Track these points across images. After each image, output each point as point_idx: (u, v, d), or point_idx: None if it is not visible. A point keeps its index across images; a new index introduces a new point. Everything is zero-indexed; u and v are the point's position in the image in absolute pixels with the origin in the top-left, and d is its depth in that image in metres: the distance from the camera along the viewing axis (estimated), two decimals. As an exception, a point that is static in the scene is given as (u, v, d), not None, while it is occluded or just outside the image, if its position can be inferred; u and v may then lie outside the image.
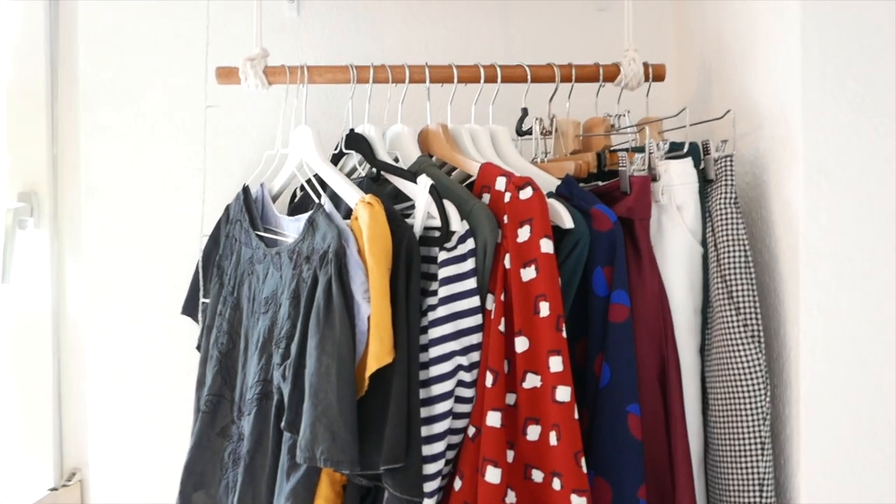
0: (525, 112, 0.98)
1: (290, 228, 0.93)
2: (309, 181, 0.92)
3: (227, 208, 1.03)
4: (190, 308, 1.05)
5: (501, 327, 0.76)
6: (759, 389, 0.76)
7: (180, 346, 1.15)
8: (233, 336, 0.97)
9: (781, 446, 0.79)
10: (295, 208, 1.04)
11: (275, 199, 1.02)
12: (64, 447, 1.19)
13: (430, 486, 0.75)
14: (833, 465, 0.75)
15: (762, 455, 0.75)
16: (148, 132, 1.16)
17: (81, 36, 1.15)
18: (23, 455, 1.17)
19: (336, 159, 0.99)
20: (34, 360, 1.17)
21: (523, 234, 0.76)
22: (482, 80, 0.96)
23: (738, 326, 0.77)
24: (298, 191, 1.04)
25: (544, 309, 0.74)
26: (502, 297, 0.77)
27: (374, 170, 0.91)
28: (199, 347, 1.02)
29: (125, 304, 1.15)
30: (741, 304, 0.77)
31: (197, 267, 1.03)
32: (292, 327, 0.82)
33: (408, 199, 0.87)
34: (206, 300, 1.01)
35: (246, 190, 1.01)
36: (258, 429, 0.87)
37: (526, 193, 0.77)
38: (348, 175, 0.97)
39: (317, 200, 0.86)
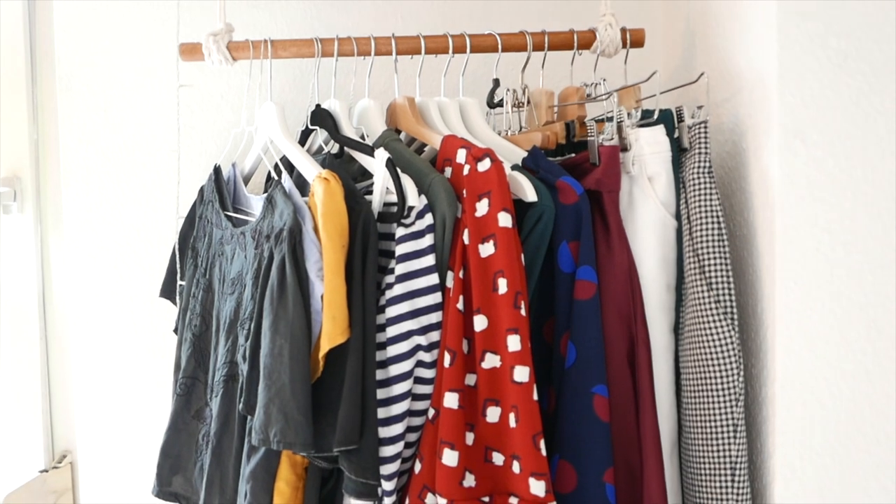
0: (496, 83, 0.94)
1: (257, 208, 0.91)
2: (283, 158, 0.90)
3: (201, 189, 1.02)
4: (167, 291, 1.05)
5: (460, 305, 0.74)
6: (732, 369, 0.72)
7: (162, 329, 1.15)
8: (206, 318, 0.96)
9: (758, 429, 0.75)
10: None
11: (247, 178, 1.00)
12: (54, 429, 1.21)
13: (387, 469, 0.74)
14: (810, 449, 0.71)
15: (734, 438, 0.71)
16: (123, 114, 1.15)
17: (57, 18, 1.14)
18: (13, 437, 1.18)
19: (306, 136, 0.96)
20: (22, 344, 1.18)
21: (481, 207, 0.73)
22: (451, 51, 0.92)
23: (710, 303, 0.73)
24: (273, 170, 1.02)
25: (502, 286, 0.71)
26: (461, 275, 0.74)
27: (339, 146, 0.89)
28: (176, 330, 1.01)
29: (106, 288, 1.16)
30: (713, 280, 0.73)
31: (173, 249, 1.02)
32: (254, 308, 0.81)
33: (372, 176, 0.85)
34: (183, 282, 1.00)
35: (217, 170, 0.99)
36: (224, 411, 0.86)
37: (484, 165, 0.74)
38: (316, 152, 0.95)
39: (276, 178, 0.84)
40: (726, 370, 0.72)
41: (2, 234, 1.18)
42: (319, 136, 0.93)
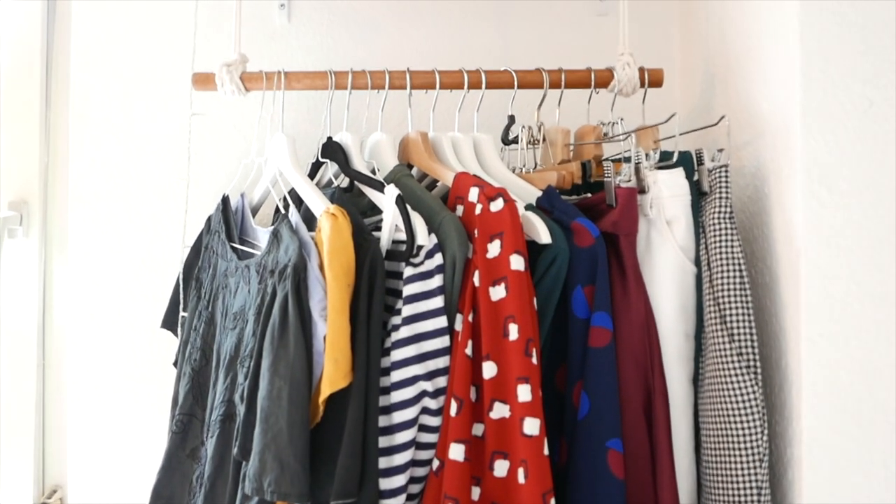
0: (511, 119, 0.93)
1: (264, 240, 0.89)
2: (291, 191, 0.88)
3: (209, 219, 1.00)
4: (170, 322, 1.02)
5: (468, 351, 0.70)
6: (755, 426, 0.67)
7: (161, 361, 1.13)
8: (206, 352, 0.93)
9: (783, 492, 0.70)
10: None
11: (256, 209, 0.99)
12: (46, 462, 1.17)
13: (387, 524, 0.70)
14: (840, 516, 0.66)
15: (758, 501, 0.67)
16: (135, 140, 1.14)
17: (74, 43, 1.14)
18: (3, 471, 1.15)
19: (316, 168, 0.95)
20: (19, 373, 1.16)
21: (493, 249, 0.71)
22: (466, 86, 0.91)
23: (732, 355, 0.69)
24: (280, 203, 1.01)
25: (513, 332, 0.68)
26: (470, 318, 0.71)
27: (349, 180, 0.87)
28: (176, 363, 0.98)
29: (107, 317, 1.13)
30: (735, 331, 0.70)
31: (178, 279, 1.00)
32: (255, 346, 0.78)
33: (381, 211, 0.83)
34: (185, 314, 0.98)
35: (225, 200, 0.98)
36: (219, 453, 0.82)
37: (497, 205, 0.71)
38: (326, 185, 0.93)
39: (283, 211, 0.82)
40: (749, 427, 0.68)
41: (5, 259, 1.17)
42: (330, 169, 0.91)
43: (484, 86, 0.91)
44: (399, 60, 1.00)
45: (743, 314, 0.70)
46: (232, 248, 0.92)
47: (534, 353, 0.68)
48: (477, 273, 0.71)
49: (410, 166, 0.91)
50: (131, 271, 1.14)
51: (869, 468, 0.66)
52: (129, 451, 1.13)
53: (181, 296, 1.00)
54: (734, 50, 0.87)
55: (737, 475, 0.68)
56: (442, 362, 0.72)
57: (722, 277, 0.71)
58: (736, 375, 0.69)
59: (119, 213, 1.14)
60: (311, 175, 0.94)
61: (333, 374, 0.69)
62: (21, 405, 1.15)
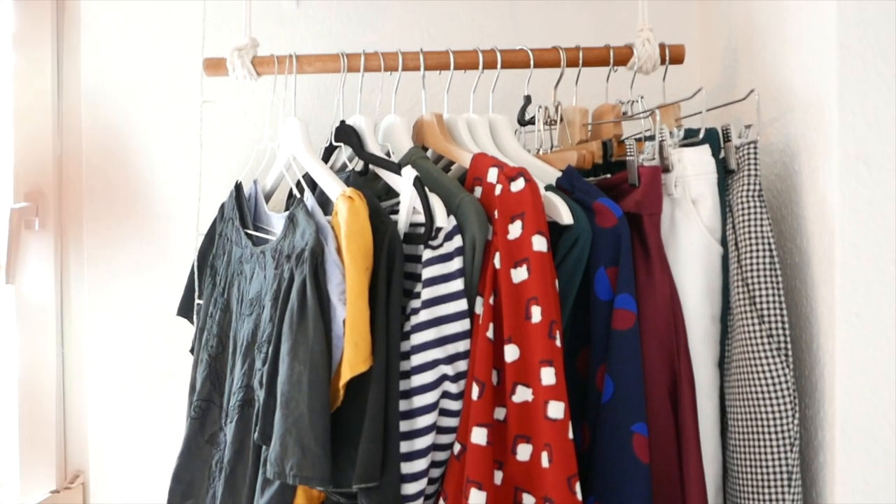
0: (528, 100, 0.91)
1: (278, 226, 0.88)
2: (305, 175, 0.87)
3: (222, 206, 0.99)
4: (185, 309, 1.02)
5: (490, 334, 0.69)
6: (786, 410, 0.66)
7: (179, 348, 1.12)
8: (222, 339, 0.93)
9: (813, 477, 0.69)
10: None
11: (269, 195, 0.98)
12: (68, 450, 1.18)
13: (409, 508, 0.69)
14: (873, 501, 0.64)
15: (788, 487, 0.65)
16: (146, 129, 1.14)
17: (84, 33, 1.14)
18: (25, 457, 1.16)
19: (330, 153, 0.93)
20: (38, 362, 1.16)
21: (514, 230, 0.69)
22: (481, 67, 0.89)
23: (762, 337, 0.67)
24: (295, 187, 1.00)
25: (536, 314, 0.66)
26: (491, 301, 0.70)
27: (363, 163, 0.85)
28: (192, 350, 0.98)
29: (124, 306, 1.13)
30: (765, 312, 0.68)
31: (192, 267, 1.00)
32: (273, 331, 0.77)
33: (398, 194, 0.81)
34: (201, 301, 0.97)
35: (238, 187, 0.97)
36: (239, 438, 0.82)
37: (518, 185, 0.70)
38: (340, 170, 0.91)
39: (298, 195, 0.81)
40: (780, 411, 0.66)
41: (23, 250, 1.17)
42: (344, 152, 0.90)
43: (499, 65, 0.89)
44: (409, 43, 0.99)
45: (774, 295, 0.68)
46: (246, 234, 0.92)
47: (557, 336, 0.66)
48: (498, 255, 0.70)
49: (425, 149, 0.89)
50: (146, 260, 1.13)
51: (905, 451, 0.64)
52: (149, 438, 1.13)
53: (196, 283, 0.99)
54: (760, 21, 0.84)
55: (766, 460, 0.66)
56: (462, 346, 0.71)
57: (751, 258, 0.69)
58: (766, 358, 0.67)
59: (133, 201, 1.13)
60: (325, 159, 0.93)
61: (353, 358, 0.68)
62: (42, 394, 1.16)
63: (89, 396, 1.14)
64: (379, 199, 0.82)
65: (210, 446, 0.92)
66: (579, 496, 0.64)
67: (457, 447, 0.71)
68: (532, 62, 0.89)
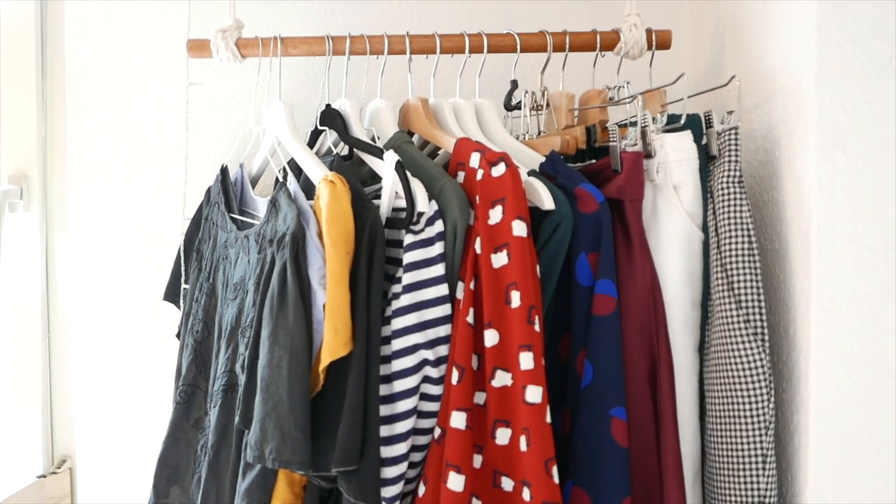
0: (514, 85, 0.90)
1: (262, 210, 0.88)
2: (290, 160, 0.87)
3: (208, 190, 0.99)
4: (172, 294, 1.02)
5: (470, 319, 0.69)
6: (761, 395, 0.66)
7: (165, 333, 1.12)
8: (208, 323, 0.93)
9: (788, 460, 0.69)
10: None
11: (255, 179, 0.97)
12: (55, 433, 1.18)
13: (389, 492, 0.69)
14: (846, 484, 0.65)
15: (763, 470, 0.66)
16: (132, 111, 1.12)
17: (68, 14, 1.12)
18: (12, 441, 1.16)
19: (315, 137, 0.93)
20: (24, 346, 1.16)
21: (495, 215, 0.69)
22: (467, 51, 0.88)
23: (739, 322, 0.68)
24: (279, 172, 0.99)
25: (515, 299, 0.67)
26: (472, 286, 0.70)
27: (349, 148, 0.85)
28: (178, 335, 0.98)
29: (110, 290, 1.13)
30: (742, 297, 0.68)
31: (178, 252, 1.00)
32: (255, 315, 0.78)
33: (381, 179, 0.81)
34: (188, 286, 0.97)
35: (224, 171, 0.96)
36: (222, 422, 0.82)
37: (498, 170, 0.70)
38: (325, 154, 0.91)
39: (280, 179, 0.81)
40: (755, 395, 0.67)
41: (7, 233, 1.16)
42: (329, 137, 0.90)
43: (486, 50, 0.88)
44: (397, 27, 0.97)
45: (751, 281, 0.68)
46: (231, 218, 0.91)
47: (536, 321, 0.67)
48: (478, 240, 0.70)
49: (411, 133, 0.89)
50: (132, 244, 1.13)
51: (878, 436, 0.65)
52: (136, 422, 1.13)
53: (182, 268, 0.99)
54: (746, 7, 0.83)
55: (743, 444, 0.67)
56: (443, 331, 0.71)
57: (730, 243, 0.69)
58: (743, 343, 0.67)
59: (118, 184, 1.13)
60: (311, 144, 0.92)
61: (333, 342, 0.68)
62: (28, 378, 1.16)
63: (76, 381, 1.14)
64: (364, 184, 0.82)
65: (195, 431, 0.92)
66: (556, 479, 0.65)
67: (437, 431, 0.71)
68: (519, 46, 0.88)
